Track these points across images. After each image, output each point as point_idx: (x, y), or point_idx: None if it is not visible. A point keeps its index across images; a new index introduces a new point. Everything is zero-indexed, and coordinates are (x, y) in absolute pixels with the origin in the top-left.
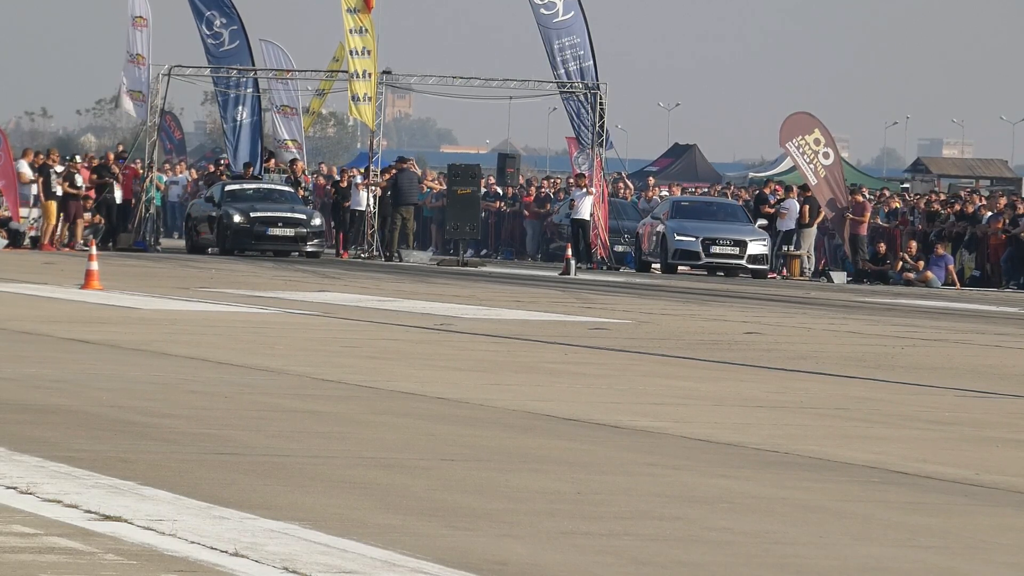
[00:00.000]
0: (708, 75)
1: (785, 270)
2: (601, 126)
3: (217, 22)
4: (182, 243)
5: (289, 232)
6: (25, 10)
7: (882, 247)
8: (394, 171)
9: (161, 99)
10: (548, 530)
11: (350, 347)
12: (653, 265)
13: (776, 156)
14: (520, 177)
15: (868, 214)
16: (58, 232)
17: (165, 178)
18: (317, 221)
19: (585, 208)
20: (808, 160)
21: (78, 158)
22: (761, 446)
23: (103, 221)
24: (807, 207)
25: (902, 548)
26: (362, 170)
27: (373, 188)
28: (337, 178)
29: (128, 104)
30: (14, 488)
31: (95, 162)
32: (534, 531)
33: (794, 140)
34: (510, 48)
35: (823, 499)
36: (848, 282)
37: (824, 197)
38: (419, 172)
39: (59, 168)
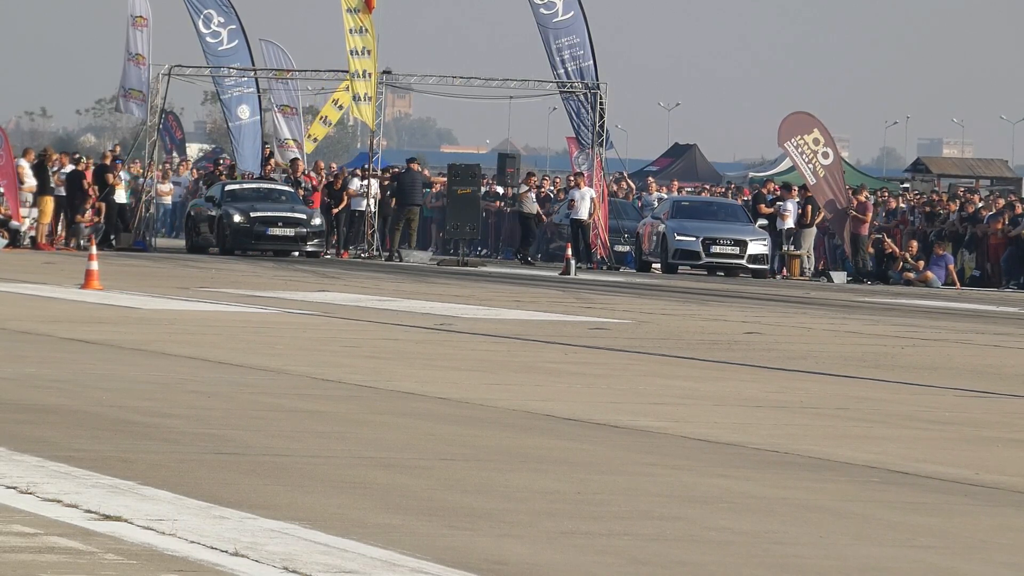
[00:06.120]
0: (708, 75)
1: (785, 270)
2: (601, 126)
3: (215, 21)
4: (181, 243)
5: (289, 232)
6: (25, 10)
7: (889, 243)
8: (397, 170)
9: (161, 99)
10: (548, 530)
11: (350, 347)
12: (654, 265)
13: (776, 156)
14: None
15: (871, 214)
16: (58, 231)
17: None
18: (317, 221)
19: (584, 208)
20: (807, 160)
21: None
22: (761, 446)
23: (102, 220)
24: (808, 207)
25: (902, 548)
26: (358, 171)
27: (375, 192)
28: (331, 179)
29: (130, 106)
30: (14, 488)
31: (91, 162)
32: (534, 531)
33: (793, 140)
34: (510, 48)
35: (823, 499)
36: (848, 282)
37: (823, 197)
38: (424, 172)
39: (55, 167)
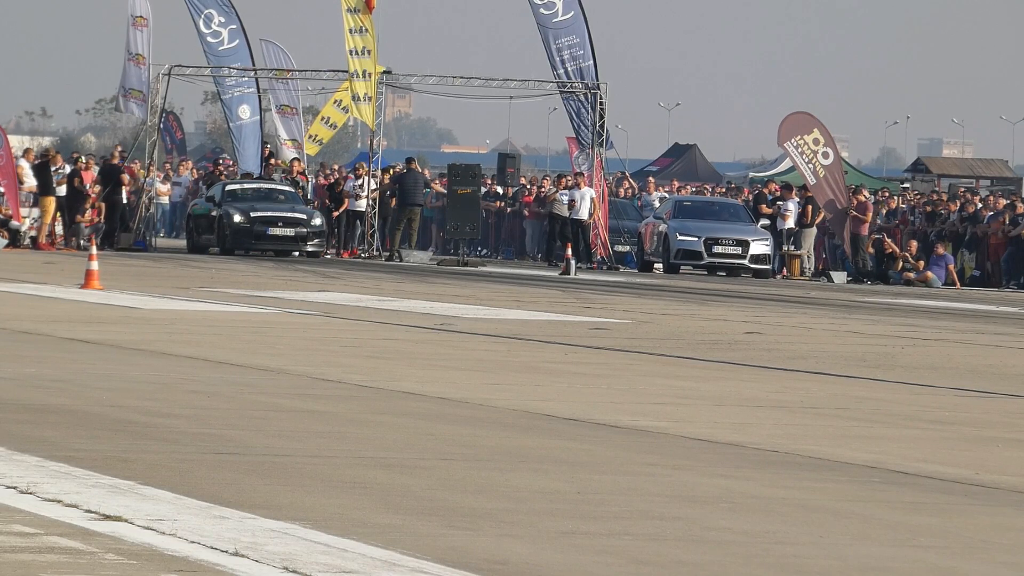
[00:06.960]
0: (708, 75)
1: (785, 270)
2: (601, 126)
3: (215, 20)
4: (181, 243)
5: (289, 232)
6: (25, 10)
7: (889, 243)
8: (399, 170)
9: (161, 99)
10: (548, 530)
11: (350, 347)
12: (656, 265)
13: (776, 156)
14: (522, 179)
15: (871, 214)
16: (56, 232)
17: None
18: (317, 221)
19: (584, 208)
20: (807, 160)
21: (83, 158)
22: (761, 446)
23: (103, 220)
24: (809, 207)
25: (902, 548)
26: (352, 167)
27: (373, 192)
28: (333, 180)
29: (130, 106)
30: (14, 488)
31: (91, 162)
32: (534, 531)
33: (793, 140)
34: (510, 48)
35: (823, 499)
36: (848, 282)
37: (823, 197)
38: (424, 172)
39: (56, 167)
